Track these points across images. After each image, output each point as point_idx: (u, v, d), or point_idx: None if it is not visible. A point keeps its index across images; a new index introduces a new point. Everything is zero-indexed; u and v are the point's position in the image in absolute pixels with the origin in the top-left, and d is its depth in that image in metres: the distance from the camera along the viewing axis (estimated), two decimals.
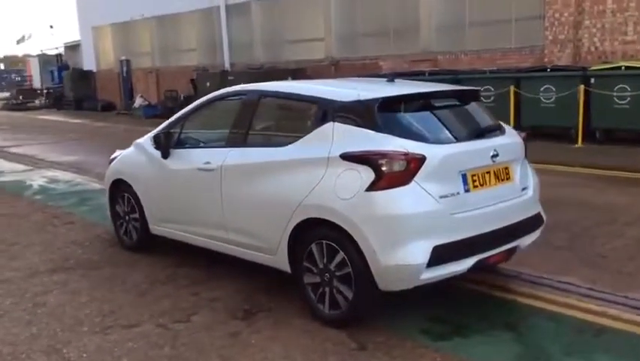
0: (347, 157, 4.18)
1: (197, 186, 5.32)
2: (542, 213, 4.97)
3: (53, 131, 20.26)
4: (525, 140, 4.97)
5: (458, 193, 4.20)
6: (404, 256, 4.00)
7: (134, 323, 4.57)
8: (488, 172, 4.43)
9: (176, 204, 5.69)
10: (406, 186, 4.05)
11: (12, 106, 31.73)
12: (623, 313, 4.53)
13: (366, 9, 18.12)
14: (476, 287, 5.09)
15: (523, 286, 5.10)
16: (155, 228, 5.98)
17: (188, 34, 24.26)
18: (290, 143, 4.63)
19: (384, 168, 4.04)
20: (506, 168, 4.59)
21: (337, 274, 4.27)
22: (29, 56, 51.58)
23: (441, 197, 4.11)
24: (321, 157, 4.31)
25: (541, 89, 12.95)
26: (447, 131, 4.46)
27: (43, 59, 42.52)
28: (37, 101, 32.61)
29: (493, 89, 13.59)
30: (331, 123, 4.41)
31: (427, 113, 4.53)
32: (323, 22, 19.26)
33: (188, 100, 16.31)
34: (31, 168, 12.61)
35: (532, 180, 4.86)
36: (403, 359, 3.94)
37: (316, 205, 4.32)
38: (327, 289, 4.36)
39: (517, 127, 12.89)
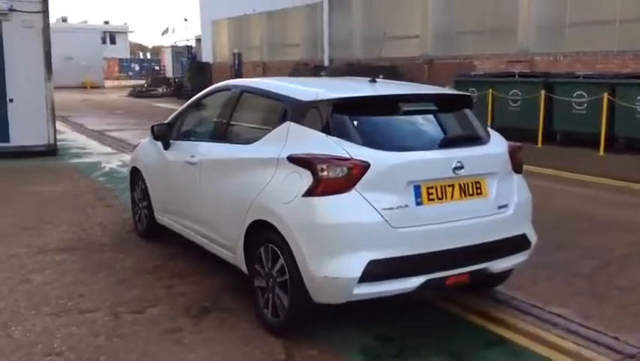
0: (292, 159, 4.00)
1: (185, 179, 5.34)
2: (530, 235, 4.47)
3: (161, 118, 21.26)
4: (515, 152, 4.49)
5: (407, 206, 3.87)
6: (335, 269, 3.76)
7: (92, 308, 4.65)
8: (451, 185, 4.05)
9: (170, 196, 5.76)
10: (345, 194, 3.80)
11: (137, 93, 33.86)
12: (598, 357, 3.98)
13: (463, 6, 17.43)
14: (451, 308, 4.72)
15: (506, 313, 4.64)
16: (158, 217, 6.09)
17: (294, 29, 24.64)
18: (255, 140, 4.51)
19: (322, 173, 3.81)
20: (477, 183, 4.17)
21: (278, 280, 4.10)
22: (165, 47, 54.88)
23: (384, 209, 3.81)
24: (273, 158, 4.15)
25: (638, 97, 11.79)
26: (405, 139, 4.13)
27: (175, 50, 45.06)
28: (159, 89, 34.53)
29: (586, 96, 12.58)
30: (288, 123, 4.25)
31: (390, 117, 4.21)
32: (420, 19, 18.78)
33: None
34: (116, 151, 13.33)
35: (517, 198, 4.38)
36: None
37: (262, 207, 4.18)
38: (270, 295, 4.20)
39: (610, 139, 11.98)
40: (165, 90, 33.99)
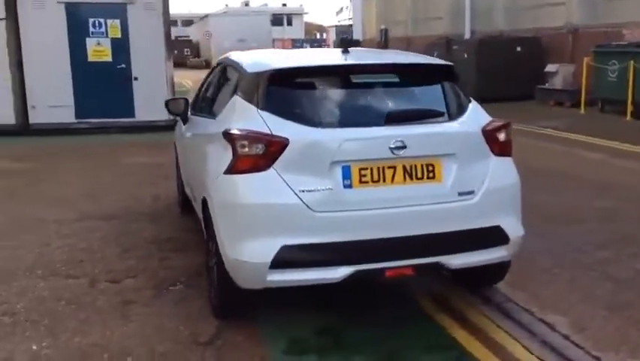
0: (224, 135, 3.81)
1: (190, 153, 5.37)
2: (509, 228, 3.83)
3: None
4: (494, 132, 3.88)
5: (330, 189, 3.51)
6: (245, 252, 3.53)
7: (78, 275, 4.85)
8: (392, 167, 3.60)
9: (184, 169, 5.85)
10: (263, 173, 3.53)
11: None
12: None
13: None
14: (424, 302, 4.27)
15: (483, 316, 4.09)
16: (187, 190, 6.20)
17: (438, 2, 23.68)
18: (218, 115, 4.38)
19: (239, 150, 3.58)
20: (430, 165, 3.67)
21: (214, 260, 3.97)
22: (329, 26, 56.06)
23: (303, 190, 3.49)
24: (217, 133, 4.00)
25: None
26: (341, 114, 3.74)
27: (339, 29, 45.83)
28: None
29: None
30: (235, 96, 4.06)
31: (330, 90, 3.85)
32: None
33: None
34: None
35: (491, 184, 3.78)
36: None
37: (203, 183, 4.07)
38: (211, 275, 4.09)
39: None
40: None
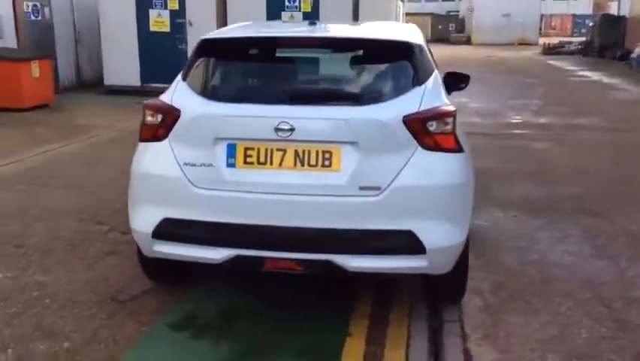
0: None
1: None
2: (426, 236, 3.26)
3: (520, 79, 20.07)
4: (421, 123, 3.30)
5: (211, 165, 3.37)
6: (135, 220, 3.60)
7: (109, 223, 5.33)
8: (282, 150, 3.31)
9: None
10: (158, 143, 3.53)
11: (546, 50, 32.24)
12: None
13: None
14: (358, 306, 3.86)
15: (401, 334, 3.56)
16: None
17: None
18: None
19: (144, 118, 3.61)
20: (327, 152, 3.29)
21: None
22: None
23: (187, 164, 3.41)
24: None
25: None
26: (241, 90, 3.55)
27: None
28: (568, 47, 32.16)
29: None
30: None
31: (251, 64, 3.66)
32: None
33: None
34: None
35: (409, 182, 3.26)
36: (122, 322, 3.65)
37: None
38: None
39: None
40: (574, 48, 31.45)
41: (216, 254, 3.41)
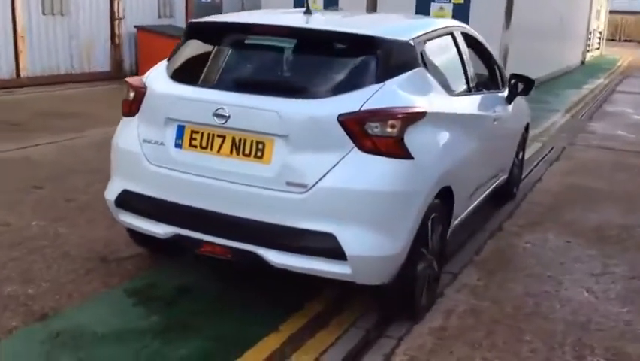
0: None
1: None
2: (347, 242, 3.10)
3: None
4: (359, 122, 3.11)
5: (162, 144, 3.49)
6: (107, 188, 3.84)
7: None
8: (222, 136, 3.33)
9: None
10: (130, 118, 3.74)
11: None
12: None
13: None
14: (309, 306, 3.75)
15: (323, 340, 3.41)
16: None
17: None
18: None
19: (126, 94, 3.82)
20: (261, 143, 3.24)
21: None
22: None
23: (145, 141, 3.58)
24: None
25: None
26: (195, 72, 3.62)
27: None
28: None
29: None
30: None
31: (220, 48, 3.70)
32: None
33: None
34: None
35: (337, 183, 3.12)
36: (91, 280, 3.94)
37: None
38: None
39: None
40: None
41: (160, 230, 3.54)
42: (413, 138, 3.25)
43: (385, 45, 3.39)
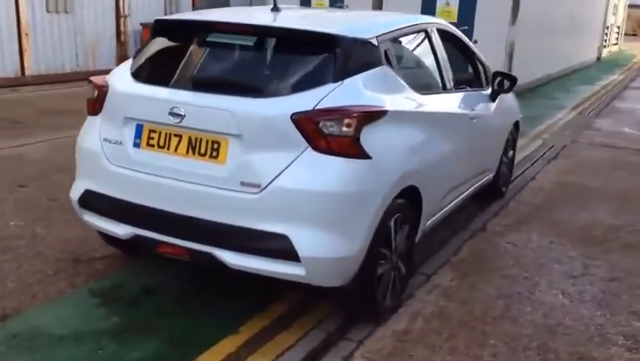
0: None
1: None
2: (300, 242, 3.05)
3: None
4: (309, 121, 3.06)
5: (121, 143, 3.47)
6: (72, 188, 3.82)
7: None
8: (178, 136, 3.30)
9: None
10: (94, 117, 3.72)
11: None
12: None
13: None
14: (272, 308, 3.70)
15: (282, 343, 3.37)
16: None
17: None
18: None
19: (92, 94, 3.80)
20: (216, 143, 3.20)
21: None
22: None
23: (105, 140, 3.56)
24: None
25: None
26: (154, 71, 3.62)
27: None
28: None
29: None
30: None
31: (182, 46, 3.67)
32: None
33: None
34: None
35: (290, 184, 3.07)
36: (58, 280, 3.94)
37: None
38: None
39: None
40: None
41: (121, 230, 3.53)
42: (371, 137, 3.20)
43: (344, 43, 3.32)
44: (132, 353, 3.17)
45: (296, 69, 3.31)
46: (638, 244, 4.92)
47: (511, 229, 5.13)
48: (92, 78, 3.80)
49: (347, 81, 3.25)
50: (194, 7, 14.80)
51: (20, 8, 11.28)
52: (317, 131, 3.07)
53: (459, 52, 5.08)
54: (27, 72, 11.61)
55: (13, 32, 11.27)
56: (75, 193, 3.73)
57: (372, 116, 3.22)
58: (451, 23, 13.13)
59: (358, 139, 3.13)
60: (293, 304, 3.74)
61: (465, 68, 5.25)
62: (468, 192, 4.91)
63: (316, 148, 3.08)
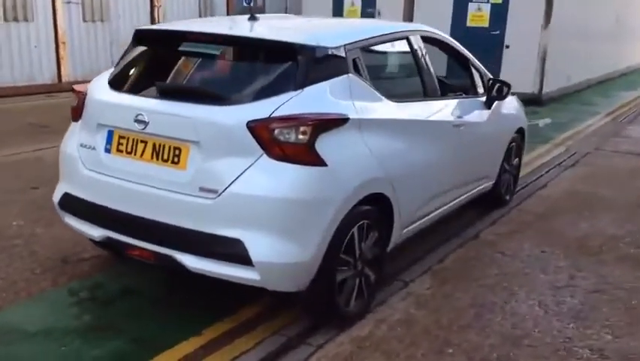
0: None
1: None
2: (253, 247, 3.11)
3: None
4: (265, 128, 3.12)
5: (94, 148, 3.61)
6: (55, 191, 3.98)
7: None
8: (144, 142, 3.41)
9: None
10: (75, 123, 3.88)
11: None
12: None
13: None
14: (243, 312, 3.77)
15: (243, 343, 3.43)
16: None
17: None
18: None
19: (73, 101, 3.96)
20: (178, 149, 3.30)
21: None
22: None
23: (81, 145, 3.71)
24: None
25: None
26: (125, 79, 3.73)
27: None
28: None
29: None
30: None
31: (156, 54, 3.81)
32: None
33: None
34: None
35: (244, 190, 3.14)
36: (42, 280, 4.11)
37: None
38: None
39: None
40: None
41: (95, 232, 3.67)
42: (329, 145, 3.23)
43: (306, 52, 3.37)
44: (93, 351, 3.29)
45: (258, 78, 3.38)
46: (633, 255, 4.78)
47: (505, 238, 5.05)
48: (75, 86, 3.96)
49: (307, 89, 3.29)
50: (229, 14, 15.07)
51: (58, 18, 11.74)
52: (272, 139, 3.12)
53: (452, 59, 5.04)
54: (64, 79, 12.06)
55: (50, 41, 11.75)
56: (56, 196, 3.89)
57: (328, 124, 3.26)
58: (482, 28, 12.98)
59: (313, 146, 3.16)
60: (263, 308, 3.79)
61: (461, 75, 5.21)
62: (459, 199, 4.87)
63: (270, 155, 3.13)
